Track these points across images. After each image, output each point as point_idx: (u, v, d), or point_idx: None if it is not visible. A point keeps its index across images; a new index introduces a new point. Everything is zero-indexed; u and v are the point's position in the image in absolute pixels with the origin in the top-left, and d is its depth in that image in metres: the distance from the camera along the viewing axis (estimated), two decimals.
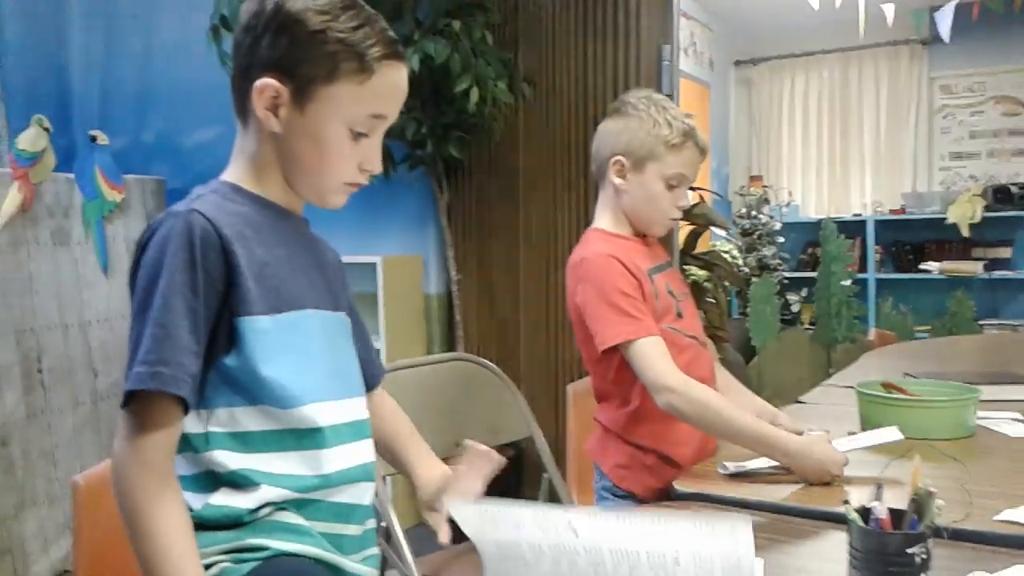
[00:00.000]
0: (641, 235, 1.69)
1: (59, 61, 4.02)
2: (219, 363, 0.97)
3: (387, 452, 1.26)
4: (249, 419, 0.99)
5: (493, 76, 3.13)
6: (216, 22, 2.98)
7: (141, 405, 0.93)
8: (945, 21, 4.01)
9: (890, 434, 1.49)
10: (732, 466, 1.46)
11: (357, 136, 1.04)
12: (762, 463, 1.46)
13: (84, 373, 3.07)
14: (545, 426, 2.10)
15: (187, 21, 3.68)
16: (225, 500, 0.98)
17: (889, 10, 4.34)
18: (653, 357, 1.50)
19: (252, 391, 0.98)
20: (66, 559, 2.85)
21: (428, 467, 1.23)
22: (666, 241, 1.80)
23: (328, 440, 1.02)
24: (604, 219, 1.69)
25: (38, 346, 2.88)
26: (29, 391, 2.85)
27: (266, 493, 0.98)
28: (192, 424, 0.98)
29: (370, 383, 1.22)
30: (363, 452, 1.09)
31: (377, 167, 1.09)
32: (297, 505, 1.01)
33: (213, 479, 0.99)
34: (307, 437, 1.01)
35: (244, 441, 0.99)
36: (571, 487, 2.02)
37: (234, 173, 1.08)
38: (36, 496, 2.84)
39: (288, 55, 1.00)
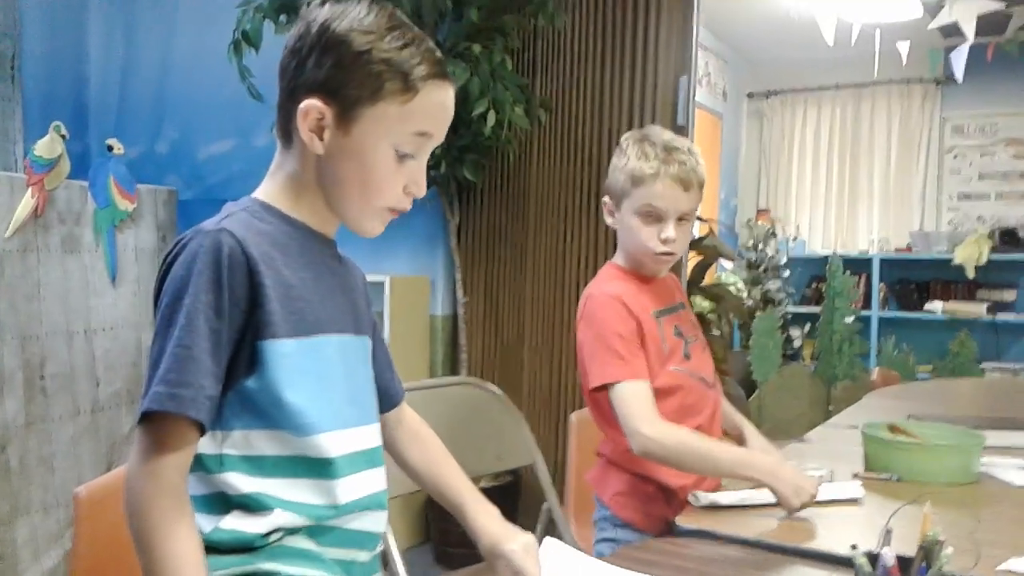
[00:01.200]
0: (657, 278, 1.69)
1: (78, 69, 4.06)
2: (240, 385, 0.97)
3: (431, 487, 1.25)
4: (264, 443, 0.98)
5: (511, 101, 3.15)
6: (238, 37, 3.01)
7: (157, 425, 0.92)
8: (960, 61, 4.03)
9: (852, 490, 1.52)
10: (703, 498, 1.47)
11: (402, 158, 1.04)
12: (734, 497, 1.47)
13: (86, 382, 3.07)
14: (546, 454, 2.09)
15: (207, 35, 3.71)
16: (236, 524, 0.97)
17: (904, 48, 4.36)
18: (632, 403, 1.50)
19: (270, 415, 0.98)
20: (56, 569, 2.84)
21: (485, 514, 1.20)
22: (676, 271, 1.80)
23: (341, 470, 1.02)
24: (619, 256, 1.70)
25: (42, 352, 2.88)
26: (30, 398, 2.84)
27: (278, 518, 0.98)
28: (206, 445, 0.97)
29: (393, 400, 1.23)
30: (376, 480, 1.09)
31: (422, 190, 1.07)
32: (310, 532, 1.01)
33: (224, 501, 0.98)
34: (320, 466, 1.00)
35: (258, 465, 0.98)
36: (569, 517, 2.01)
37: (268, 191, 1.07)
38: (31, 504, 2.83)
39: (333, 76, 1.00)
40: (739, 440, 1.75)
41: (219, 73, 3.26)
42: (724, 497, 1.48)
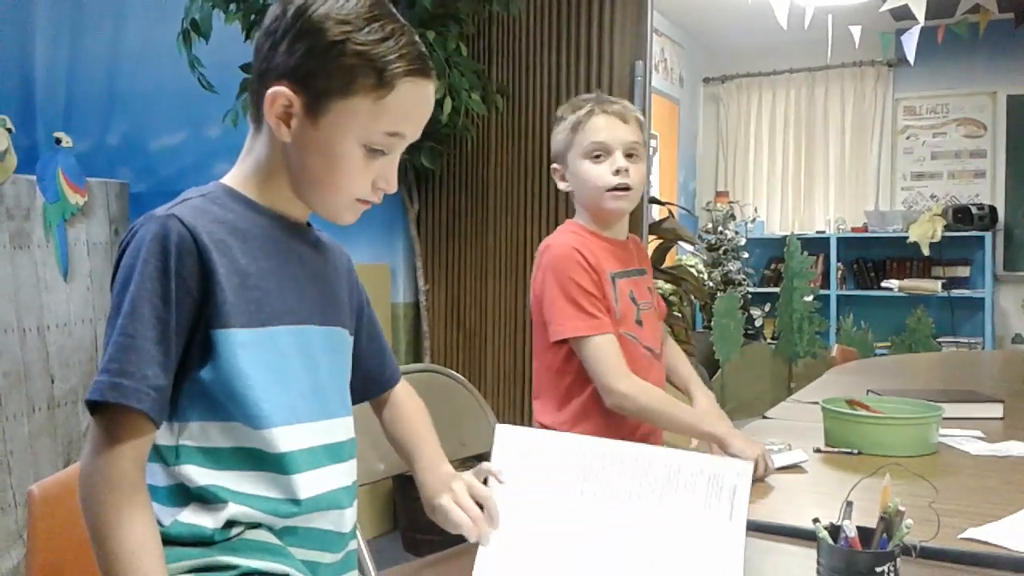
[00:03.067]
0: (618, 239, 1.71)
1: (23, 62, 3.95)
2: (194, 375, 0.94)
3: (400, 453, 1.23)
4: (219, 435, 0.95)
5: (467, 87, 3.13)
6: (186, 26, 2.95)
7: (107, 416, 0.89)
8: (911, 44, 4.09)
9: (796, 456, 1.57)
10: None
11: (372, 152, 1.00)
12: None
13: (41, 379, 3.00)
14: None
15: (156, 25, 3.63)
16: (193, 518, 0.95)
17: (856, 31, 4.41)
18: (608, 358, 1.55)
19: (224, 407, 0.95)
20: (17, 569, 2.78)
21: (427, 469, 1.16)
22: (636, 228, 1.81)
23: (297, 465, 0.98)
24: (578, 216, 1.73)
25: None
26: None
27: (232, 511, 0.95)
28: (164, 436, 0.95)
29: (384, 385, 1.22)
30: (339, 477, 1.05)
31: (392, 186, 1.03)
32: (273, 528, 0.98)
33: (184, 493, 0.95)
34: (274, 460, 0.97)
35: (214, 457, 0.95)
36: None
37: (236, 177, 1.04)
38: None
39: (304, 65, 0.96)
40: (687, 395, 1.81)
41: (169, 64, 3.20)
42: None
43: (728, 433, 1.52)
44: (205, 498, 0.95)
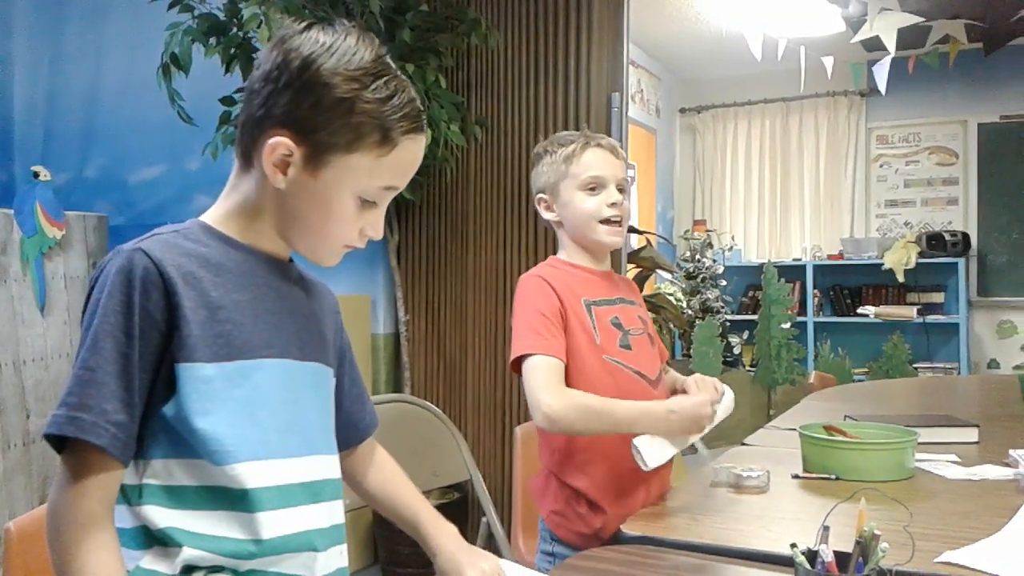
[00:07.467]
0: (601, 270, 1.71)
1: (1, 95, 3.95)
2: (158, 411, 0.91)
3: (387, 506, 1.23)
4: (184, 472, 0.93)
5: (446, 119, 3.16)
6: (166, 60, 2.96)
7: (73, 453, 0.88)
8: (882, 74, 4.17)
9: (728, 401, 1.59)
10: (651, 460, 1.46)
11: (365, 204, 1.01)
12: (670, 450, 1.49)
13: (16, 414, 2.97)
14: (493, 468, 2.10)
15: (136, 59, 3.65)
16: (152, 563, 0.92)
17: (829, 62, 4.50)
18: (537, 375, 1.50)
19: (188, 442, 0.92)
20: None
21: (444, 533, 1.18)
22: (616, 264, 1.82)
23: (263, 503, 0.94)
24: (561, 252, 1.74)
25: None
26: None
27: (189, 554, 0.91)
28: (129, 475, 0.92)
29: (360, 435, 1.19)
30: (314, 518, 1.01)
31: (379, 234, 1.05)
32: (234, 573, 0.94)
33: (147, 536, 0.93)
34: (239, 498, 0.93)
35: (176, 497, 0.92)
36: (518, 530, 2.00)
37: (216, 214, 1.02)
38: None
39: (310, 118, 0.95)
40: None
41: (149, 98, 3.21)
42: (665, 452, 1.48)
43: (669, 414, 1.48)
44: (164, 542, 0.92)
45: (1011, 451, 1.82)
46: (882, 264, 5.76)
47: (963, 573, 1.15)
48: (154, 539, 0.92)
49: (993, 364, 5.87)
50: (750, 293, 6.43)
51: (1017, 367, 5.54)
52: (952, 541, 1.25)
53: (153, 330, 0.90)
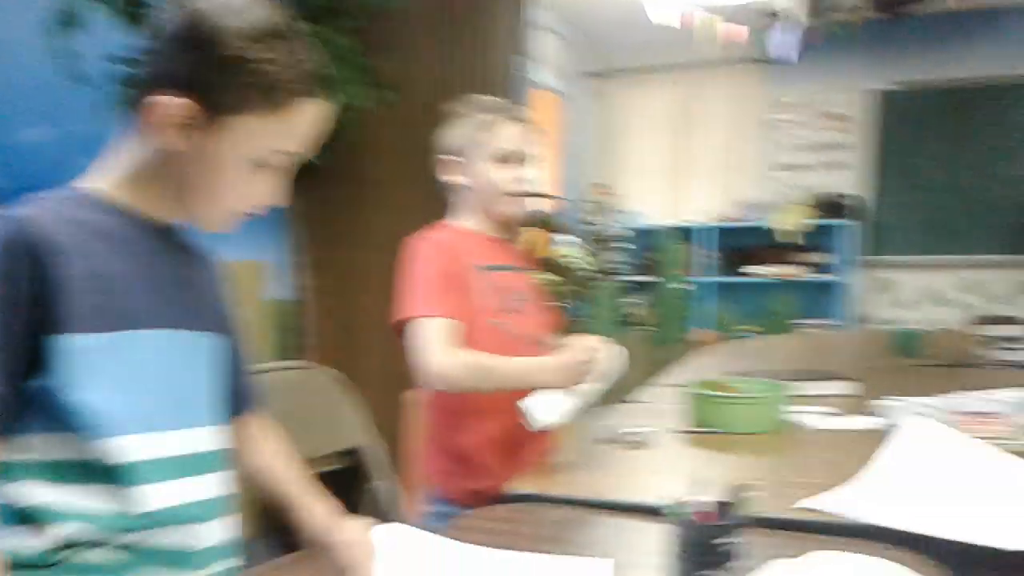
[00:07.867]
0: (499, 235, 1.73)
1: None
2: (32, 384, 0.89)
3: (261, 485, 1.20)
4: (59, 447, 0.90)
5: (349, 80, 3.11)
6: (57, 17, 2.82)
7: None
8: (781, 41, 4.29)
9: (616, 360, 1.59)
10: (539, 419, 1.50)
11: (260, 168, 0.98)
12: (563, 407, 1.51)
13: None
14: (391, 434, 2.11)
15: (18, 15, 3.47)
16: (18, 542, 0.90)
17: (732, 29, 4.59)
18: (427, 336, 1.53)
19: (59, 417, 0.89)
20: None
21: (310, 505, 1.18)
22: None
23: (144, 476, 0.93)
24: (464, 215, 1.76)
25: None
26: None
27: (61, 530, 0.90)
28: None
29: (240, 407, 1.16)
30: (199, 489, 1.00)
31: (279, 201, 1.03)
32: (111, 547, 0.93)
33: (12, 514, 0.90)
34: (117, 472, 0.91)
35: (52, 471, 0.90)
36: (406, 493, 2.03)
37: (98, 178, 0.99)
38: None
39: (196, 76, 0.92)
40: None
41: (33, 56, 3.06)
42: (553, 413, 1.51)
43: (558, 367, 1.51)
44: (33, 518, 0.90)
45: (872, 401, 1.93)
46: (775, 226, 5.97)
47: (818, 517, 1.23)
48: (18, 517, 0.90)
49: (880, 321, 6.17)
50: (649, 256, 6.57)
51: (887, 322, 5.88)
52: (810, 488, 1.32)
53: (31, 299, 0.88)
